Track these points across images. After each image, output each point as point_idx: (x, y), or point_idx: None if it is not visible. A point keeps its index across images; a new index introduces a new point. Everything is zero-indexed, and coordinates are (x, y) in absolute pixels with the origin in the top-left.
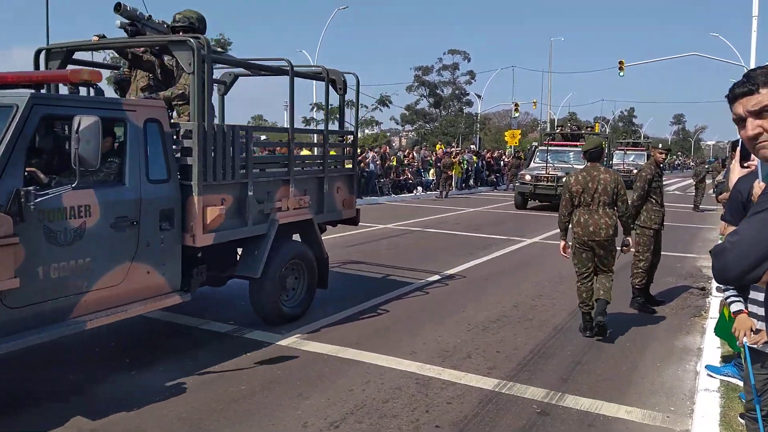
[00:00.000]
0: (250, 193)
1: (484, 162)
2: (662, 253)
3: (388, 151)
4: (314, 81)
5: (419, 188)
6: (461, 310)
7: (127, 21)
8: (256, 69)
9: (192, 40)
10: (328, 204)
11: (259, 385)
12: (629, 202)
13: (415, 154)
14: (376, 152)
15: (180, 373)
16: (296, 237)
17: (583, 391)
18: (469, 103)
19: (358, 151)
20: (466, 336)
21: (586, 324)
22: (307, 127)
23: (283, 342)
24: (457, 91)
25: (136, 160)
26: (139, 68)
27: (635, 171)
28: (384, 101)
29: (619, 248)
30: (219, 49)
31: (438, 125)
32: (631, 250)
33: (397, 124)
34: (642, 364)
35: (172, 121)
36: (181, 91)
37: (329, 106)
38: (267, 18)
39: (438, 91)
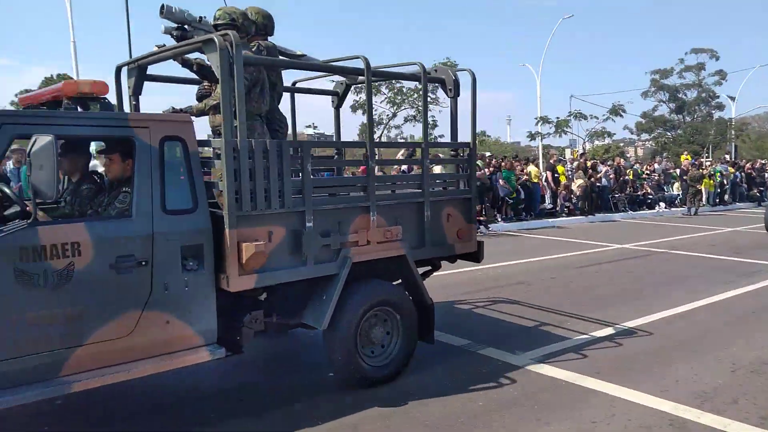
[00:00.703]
0: (309, 225)
1: (743, 174)
2: None
3: (622, 163)
4: (538, 92)
5: (662, 204)
6: (722, 347)
7: (173, 25)
8: (321, 71)
9: (218, 37)
10: (432, 236)
11: (496, 404)
12: None
13: (655, 166)
14: (608, 165)
15: (418, 383)
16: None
17: None
18: (720, 107)
19: (588, 164)
20: (731, 378)
21: None
22: (390, 141)
23: (518, 362)
24: (704, 94)
25: (146, 187)
26: (213, 81)
27: None
28: (617, 110)
29: None
30: (294, 50)
31: (681, 133)
32: None
33: (632, 133)
34: None
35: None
36: (216, 102)
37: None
38: (489, 37)
39: (680, 95)
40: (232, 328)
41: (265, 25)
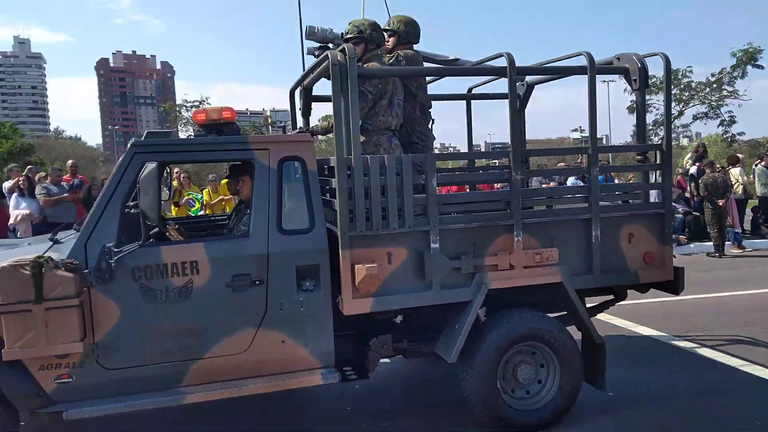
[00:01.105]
0: (435, 246)
1: None
2: None
3: None
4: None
5: None
6: None
7: (316, 45)
8: (457, 74)
9: (331, 52)
10: (603, 260)
11: None
12: None
13: None
14: None
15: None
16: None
17: None
18: None
19: None
20: None
21: None
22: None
23: None
24: None
25: (263, 208)
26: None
27: None
28: None
29: None
30: (447, 55)
31: None
32: None
33: None
34: None
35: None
36: None
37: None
38: None
39: None
40: (362, 352)
41: (407, 32)
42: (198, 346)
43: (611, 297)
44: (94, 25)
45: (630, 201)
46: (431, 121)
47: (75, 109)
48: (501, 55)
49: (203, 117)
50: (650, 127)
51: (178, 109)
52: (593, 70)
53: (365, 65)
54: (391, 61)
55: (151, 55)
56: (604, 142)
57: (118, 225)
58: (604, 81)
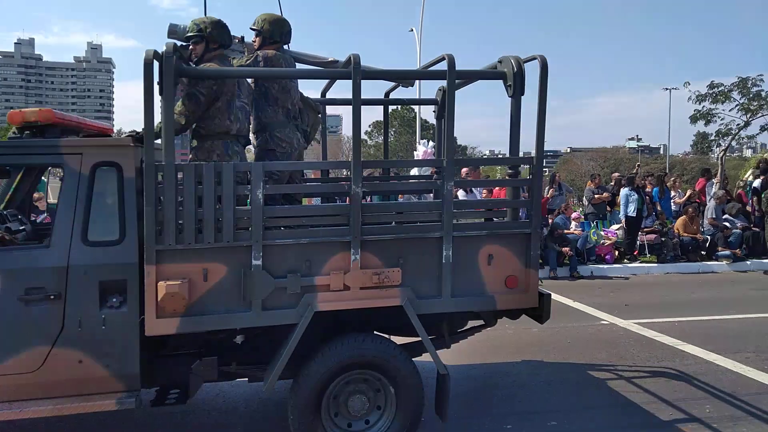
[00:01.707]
0: (257, 263)
1: None
2: None
3: None
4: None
5: None
6: None
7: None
8: (297, 77)
9: (147, 51)
10: (456, 283)
11: None
12: None
13: None
14: None
15: None
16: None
17: None
18: None
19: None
20: None
21: None
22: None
23: None
24: None
25: (67, 216)
26: None
27: None
28: None
29: None
30: (326, 57)
31: None
32: None
33: None
34: None
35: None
36: (180, 123)
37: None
38: None
39: None
40: (185, 374)
41: (271, 32)
42: None
43: (481, 322)
44: (162, 32)
45: (497, 219)
46: (318, 127)
47: (137, 111)
48: (350, 59)
49: (20, 118)
50: (712, 137)
51: None
52: (452, 75)
53: (205, 65)
54: (248, 61)
55: None
56: (661, 152)
57: None
58: (666, 89)
